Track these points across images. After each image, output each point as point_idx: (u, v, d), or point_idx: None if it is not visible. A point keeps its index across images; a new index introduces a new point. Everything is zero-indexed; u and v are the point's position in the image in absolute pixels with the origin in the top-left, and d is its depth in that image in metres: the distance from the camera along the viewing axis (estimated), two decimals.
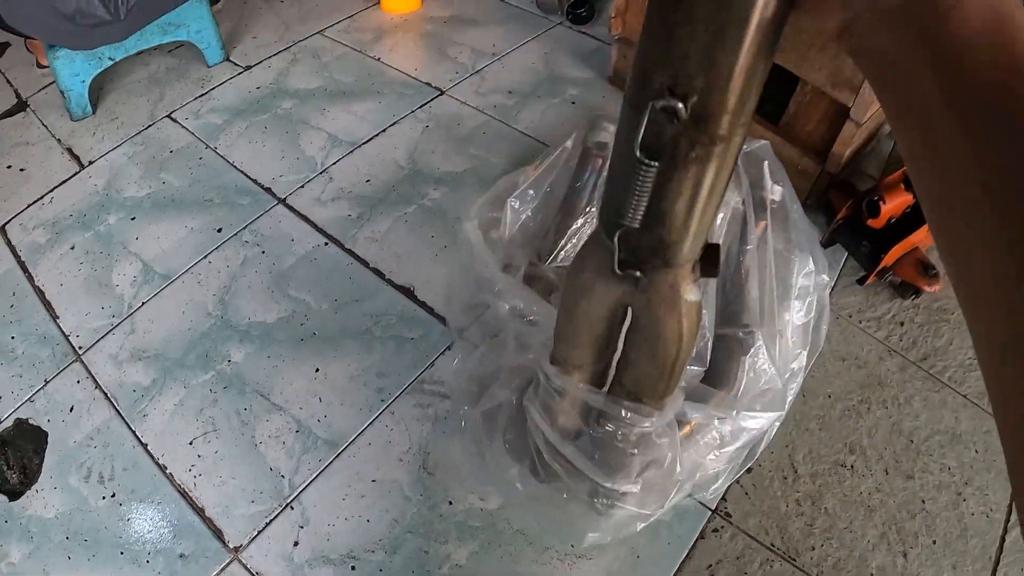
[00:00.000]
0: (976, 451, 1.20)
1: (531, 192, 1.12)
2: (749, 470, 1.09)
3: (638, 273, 0.56)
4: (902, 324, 1.40)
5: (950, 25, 0.29)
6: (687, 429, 0.93)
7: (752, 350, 1.03)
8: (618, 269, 0.55)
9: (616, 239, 0.53)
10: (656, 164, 0.45)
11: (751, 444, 0.99)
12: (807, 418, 1.18)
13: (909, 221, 1.40)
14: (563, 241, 1.12)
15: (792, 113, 1.49)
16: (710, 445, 0.95)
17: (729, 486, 1.06)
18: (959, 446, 1.20)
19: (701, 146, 0.44)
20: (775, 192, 1.16)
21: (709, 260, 0.58)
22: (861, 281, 1.42)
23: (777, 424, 0.97)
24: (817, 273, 1.09)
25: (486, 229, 1.07)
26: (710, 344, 1.06)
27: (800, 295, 1.09)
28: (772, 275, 1.09)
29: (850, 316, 1.34)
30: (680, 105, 0.42)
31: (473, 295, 1.02)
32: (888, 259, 1.39)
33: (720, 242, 0.96)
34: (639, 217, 0.50)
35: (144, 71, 1.81)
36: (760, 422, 0.95)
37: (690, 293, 0.59)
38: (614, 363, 0.74)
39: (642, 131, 0.44)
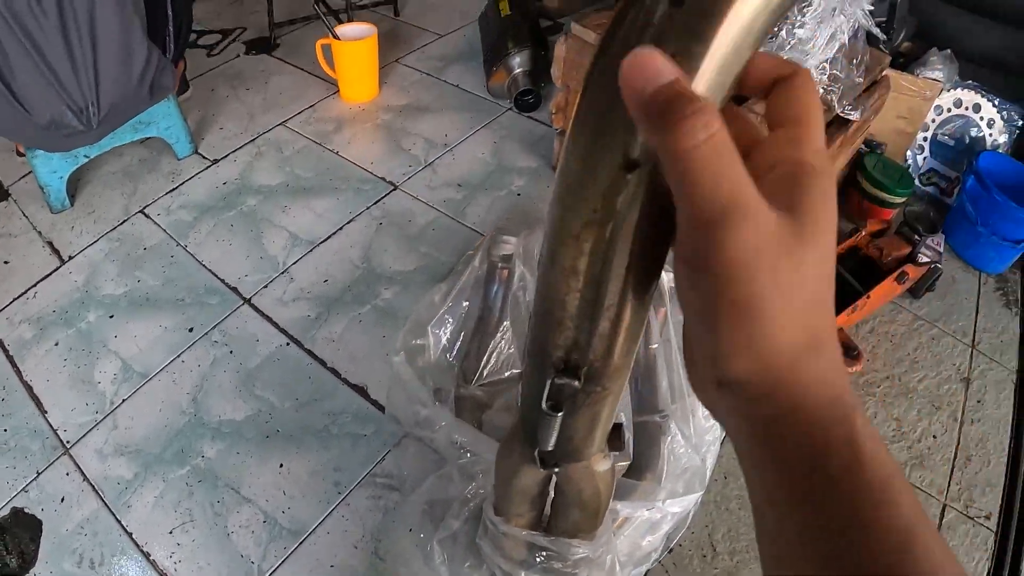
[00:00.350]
0: None
1: (448, 317, 1.29)
2: (670, 550, 1.22)
3: (556, 468, 0.68)
4: None
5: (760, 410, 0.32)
6: (620, 521, 1.10)
7: (669, 432, 1.19)
8: (540, 466, 0.67)
9: (536, 452, 0.64)
10: (560, 414, 0.53)
11: (676, 525, 1.16)
12: (727, 499, 1.31)
13: None
14: (484, 359, 1.30)
15: None
16: (640, 531, 1.10)
17: (649, 569, 1.17)
18: None
19: (595, 395, 0.52)
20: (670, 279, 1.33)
21: (615, 438, 0.67)
22: None
23: (698, 503, 1.13)
24: None
25: (413, 357, 1.24)
26: (631, 436, 1.24)
27: None
28: (679, 354, 1.26)
29: None
30: (576, 383, 0.49)
31: (413, 420, 1.20)
32: None
33: None
34: (550, 446, 0.58)
35: (118, 163, 1.96)
36: (684, 503, 1.12)
37: (602, 465, 0.68)
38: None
39: (546, 394, 0.51)
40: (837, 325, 1.47)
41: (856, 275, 1.62)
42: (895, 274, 1.61)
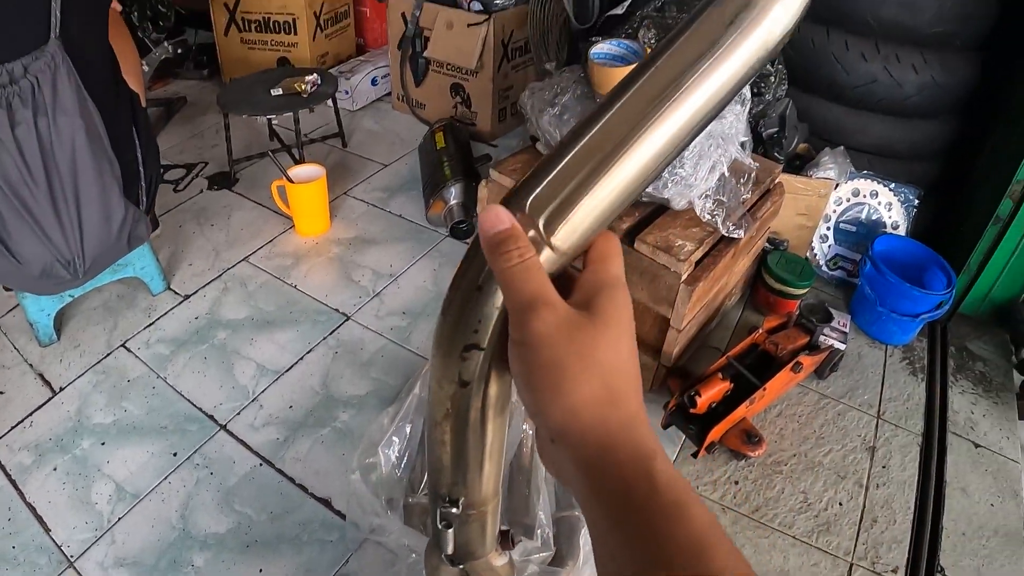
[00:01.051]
0: None
1: (395, 438, 1.52)
2: None
3: (462, 566, 0.85)
4: (736, 483, 1.66)
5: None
6: None
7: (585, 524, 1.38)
8: (451, 565, 0.80)
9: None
10: (450, 529, 0.69)
11: None
12: None
13: (731, 402, 1.67)
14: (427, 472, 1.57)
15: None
16: None
17: None
18: None
19: (475, 514, 0.67)
20: None
21: (504, 540, 0.83)
22: (695, 455, 1.67)
23: None
24: None
25: (367, 473, 1.49)
26: (551, 531, 1.44)
27: None
28: None
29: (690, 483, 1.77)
30: (455, 510, 0.65)
31: (369, 528, 1.47)
32: (713, 436, 1.63)
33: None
34: (450, 551, 0.73)
35: (99, 298, 2.22)
36: None
37: (498, 561, 0.82)
38: None
39: (438, 516, 0.68)
40: (739, 417, 1.69)
41: (755, 369, 1.77)
42: (790, 365, 1.76)
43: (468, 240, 2.55)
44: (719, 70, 0.45)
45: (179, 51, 3.47)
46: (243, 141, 3.06)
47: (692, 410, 1.66)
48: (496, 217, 0.44)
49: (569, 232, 0.47)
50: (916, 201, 2.32)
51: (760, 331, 1.93)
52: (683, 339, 1.87)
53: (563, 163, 0.47)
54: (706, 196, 1.77)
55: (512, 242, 0.43)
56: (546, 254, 0.46)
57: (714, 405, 1.69)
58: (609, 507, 0.41)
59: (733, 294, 2.21)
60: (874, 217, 2.35)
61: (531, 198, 0.47)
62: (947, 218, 2.48)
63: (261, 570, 1.54)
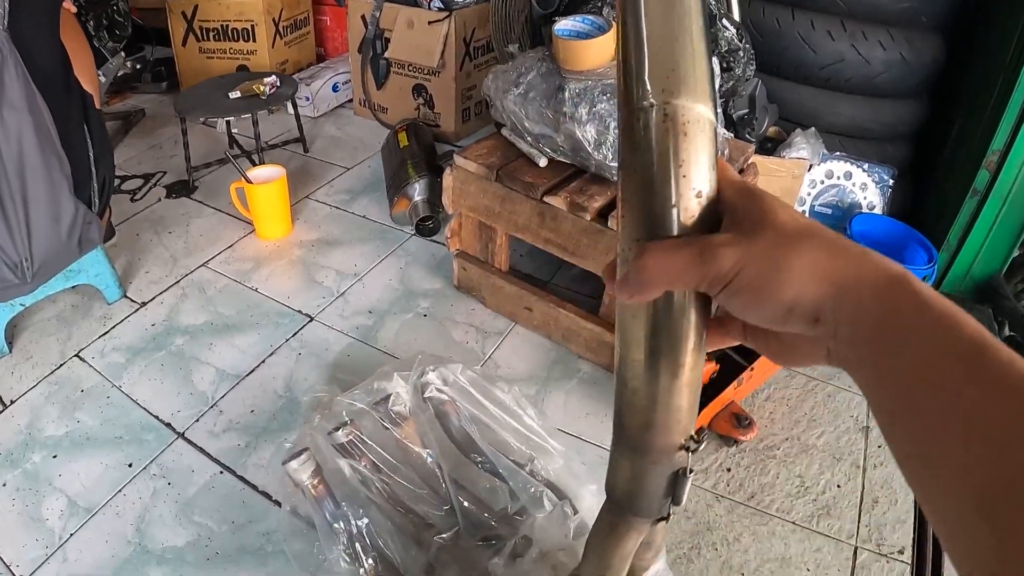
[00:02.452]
0: (808, 570, 1.36)
1: None
2: None
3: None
4: (728, 470, 1.58)
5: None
6: None
7: None
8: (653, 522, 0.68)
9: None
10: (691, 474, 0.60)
11: None
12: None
13: (718, 384, 1.59)
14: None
15: (607, 305, 1.83)
16: None
17: None
18: (790, 568, 1.36)
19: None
20: None
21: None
22: None
23: None
24: None
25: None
26: None
27: None
28: None
29: None
30: (697, 446, 0.56)
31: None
32: (702, 421, 1.56)
33: None
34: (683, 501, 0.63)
35: (52, 308, 2.07)
36: None
37: None
38: None
39: (688, 466, 0.58)
40: (728, 400, 1.61)
41: (741, 350, 1.68)
42: None
43: (435, 237, 2.42)
44: None
45: (137, 66, 3.36)
46: (202, 150, 2.92)
47: None
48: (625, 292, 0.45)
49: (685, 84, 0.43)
50: (891, 181, 2.26)
51: None
52: None
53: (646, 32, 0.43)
54: None
55: (641, 276, 0.44)
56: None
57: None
58: (892, 346, 0.37)
59: None
60: (849, 199, 2.28)
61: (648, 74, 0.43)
62: (923, 196, 2.42)
63: None
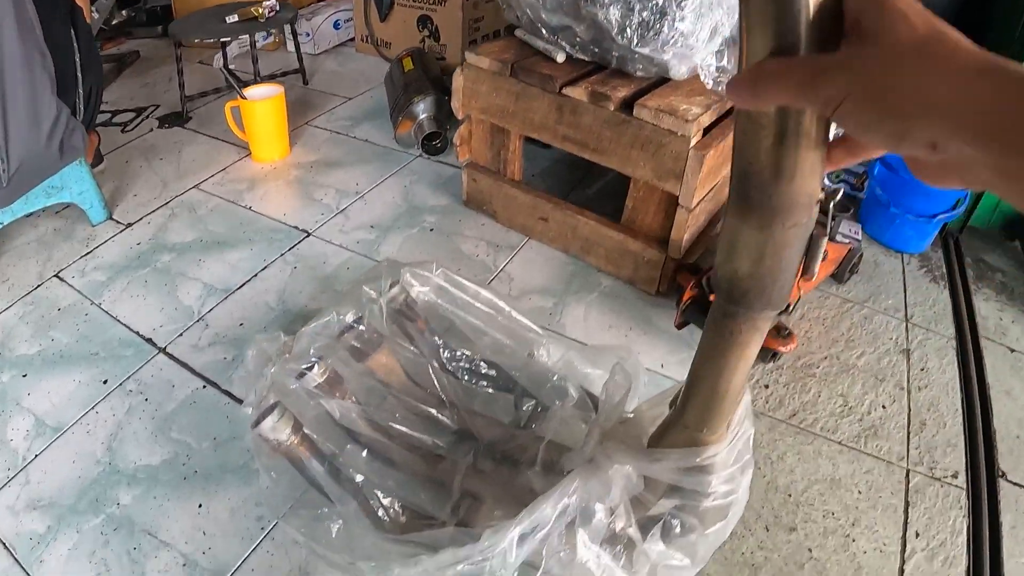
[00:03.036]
0: (859, 492, 1.25)
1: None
2: None
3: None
4: (767, 387, 1.46)
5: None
6: None
7: None
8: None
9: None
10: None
11: None
12: None
13: None
14: None
15: (631, 209, 1.64)
16: None
17: None
18: (840, 490, 1.25)
19: None
20: None
21: None
22: None
23: None
24: None
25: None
26: None
27: None
28: None
29: None
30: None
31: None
32: None
33: None
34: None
35: (33, 233, 1.88)
36: None
37: None
38: None
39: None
40: None
41: None
42: None
43: (442, 157, 2.21)
44: None
45: (132, 14, 3.19)
46: (197, 82, 2.71)
47: (713, 296, 1.38)
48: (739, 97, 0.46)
49: None
50: None
51: None
52: (693, 225, 1.57)
53: None
54: (708, 64, 1.49)
55: (756, 87, 0.44)
56: None
57: None
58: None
59: None
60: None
61: None
62: None
63: (200, 505, 1.21)
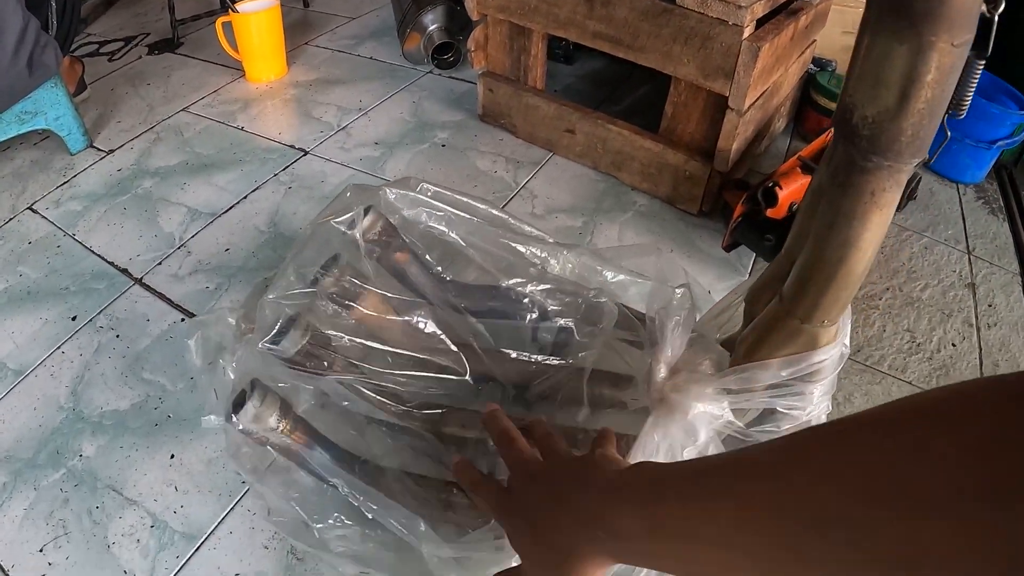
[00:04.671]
0: None
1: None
2: None
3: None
4: None
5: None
6: None
7: None
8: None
9: None
10: None
11: None
12: None
13: None
14: None
15: (670, 116, 1.37)
16: None
17: None
18: None
19: None
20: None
21: None
22: None
23: None
24: None
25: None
26: None
27: None
28: None
29: None
30: None
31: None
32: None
33: None
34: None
35: (9, 166, 1.64)
36: None
37: None
38: None
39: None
40: None
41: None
42: None
43: (455, 72, 1.95)
44: None
45: None
46: (191, 9, 2.44)
47: (769, 211, 1.21)
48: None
49: None
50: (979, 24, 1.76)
51: (829, 135, 1.42)
52: (743, 133, 1.32)
53: None
54: None
55: None
56: None
57: (793, 207, 1.21)
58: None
59: (781, 114, 1.66)
60: None
61: None
62: (1009, 45, 1.90)
63: (173, 455, 0.99)
